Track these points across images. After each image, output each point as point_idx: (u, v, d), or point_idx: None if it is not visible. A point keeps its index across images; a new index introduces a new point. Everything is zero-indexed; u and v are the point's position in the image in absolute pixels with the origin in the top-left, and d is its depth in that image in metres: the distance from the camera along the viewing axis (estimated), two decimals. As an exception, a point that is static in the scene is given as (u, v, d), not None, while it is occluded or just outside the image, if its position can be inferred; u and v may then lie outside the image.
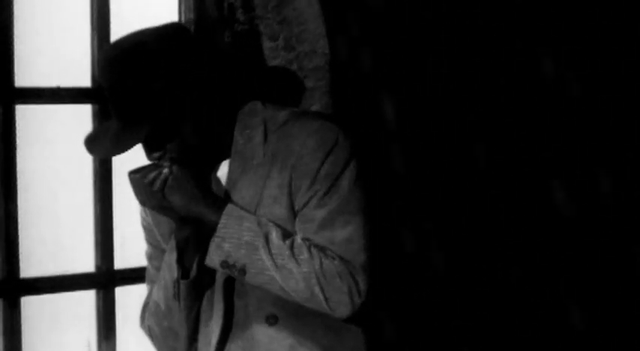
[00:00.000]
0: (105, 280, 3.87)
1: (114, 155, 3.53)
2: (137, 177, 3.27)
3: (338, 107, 3.82)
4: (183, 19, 4.06)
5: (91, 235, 3.92)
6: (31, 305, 3.76)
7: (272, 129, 3.33)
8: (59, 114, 3.81)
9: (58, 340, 3.91)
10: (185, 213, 3.28)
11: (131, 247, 3.77)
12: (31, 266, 3.78)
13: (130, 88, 3.26)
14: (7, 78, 3.63)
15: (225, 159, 3.37)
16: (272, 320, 3.32)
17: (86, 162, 3.74)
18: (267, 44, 3.89)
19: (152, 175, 3.26)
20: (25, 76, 3.74)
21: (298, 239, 3.22)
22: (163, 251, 3.42)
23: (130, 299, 3.80)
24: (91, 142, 3.31)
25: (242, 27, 3.98)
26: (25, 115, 3.76)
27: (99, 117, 3.78)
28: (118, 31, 3.73)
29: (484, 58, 4.34)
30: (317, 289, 3.20)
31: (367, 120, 3.92)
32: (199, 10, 4.02)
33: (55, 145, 3.86)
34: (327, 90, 3.81)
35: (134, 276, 3.82)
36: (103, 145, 3.31)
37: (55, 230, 3.95)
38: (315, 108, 3.80)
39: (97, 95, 3.71)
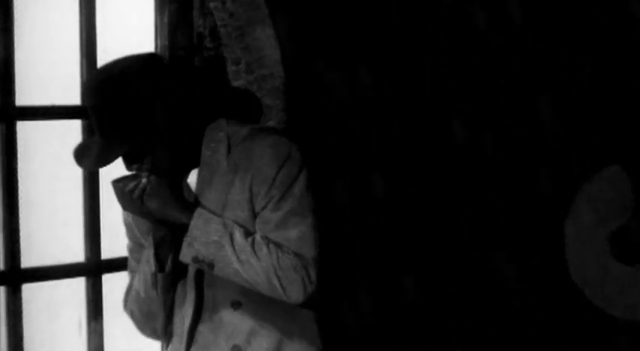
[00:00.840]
0: (93, 269, 3.85)
1: (98, 168, 3.55)
2: (119, 185, 3.29)
3: (291, 122, 3.78)
4: (159, 46, 4.02)
5: (80, 230, 3.88)
6: (31, 291, 3.74)
7: (235, 143, 3.34)
8: (54, 127, 3.75)
9: (53, 320, 3.85)
10: (161, 216, 3.31)
11: (116, 240, 3.68)
12: (30, 258, 3.72)
13: (112, 110, 3.27)
14: (9, 98, 3.60)
15: (194, 168, 3.38)
16: (236, 305, 3.35)
17: (77, 168, 3.68)
18: (231, 68, 3.86)
19: (132, 184, 3.30)
20: (24, 96, 3.68)
21: (258, 237, 3.24)
22: (142, 246, 3.44)
23: (114, 285, 3.73)
24: (79, 156, 3.33)
25: (209, 53, 3.98)
26: (25, 129, 3.68)
27: (87, 130, 3.76)
28: (103, 56, 3.72)
29: (435, 74, 4.23)
30: (275, 280, 3.23)
31: (316, 133, 3.87)
32: (172, 39, 3.98)
33: (50, 154, 3.81)
34: (282, 108, 3.80)
35: (118, 265, 3.76)
36: (89, 159, 3.32)
37: (50, 226, 3.89)
38: (271, 123, 3.79)
39: (86, 112, 3.59)
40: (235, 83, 3.89)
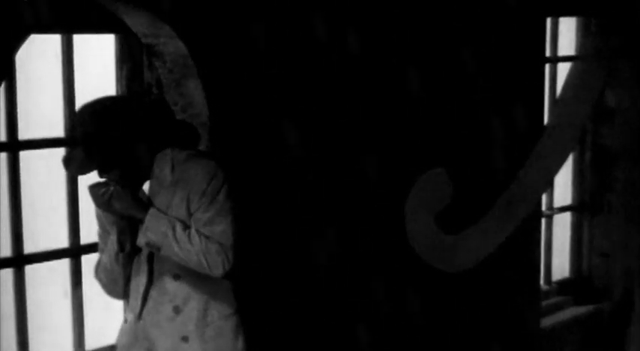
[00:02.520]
0: (75, 251, 3.81)
1: (79, 175, 3.55)
2: (94, 190, 3.34)
3: (214, 147, 3.79)
4: (119, 91, 3.90)
5: (65, 223, 3.82)
6: (32, 270, 3.69)
7: (177, 163, 3.36)
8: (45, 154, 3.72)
9: (47, 290, 3.82)
10: (123, 213, 3.35)
11: (90, 230, 3.65)
12: (30, 245, 3.67)
13: (94, 136, 3.28)
14: (13, 134, 3.56)
15: (147, 180, 3.41)
16: (176, 277, 3.40)
17: (62, 174, 3.73)
18: (175, 109, 3.77)
19: (103, 189, 3.33)
20: (22, 132, 3.62)
21: (192, 230, 3.31)
22: (108, 232, 3.44)
23: (90, 263, 3.64)
24: (67, 164, 3.34)
25: (156, 96, 3.87)
26: (27, 156, 3.65)
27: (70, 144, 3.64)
28: (80, 97, 3.68)
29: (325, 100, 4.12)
30: (203, 260, 3.29)
31: (232, 154, 3.83)
32: (129, 87, 3.86)
33: (43, 170, 3.74)
34: (207, 138, 3.77)
35: (93, 249, 3.69)
36: (74, 168, 3.36)
37: (42, 221, 3.81)
38: (202, 147, 3.68)
39: (68, 142, 3.69)
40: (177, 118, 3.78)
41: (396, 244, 4.45)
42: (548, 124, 4.97)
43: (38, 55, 3.62)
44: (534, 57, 4.95)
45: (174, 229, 3.31)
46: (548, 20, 5.15)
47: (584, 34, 5.39)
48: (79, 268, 3.82)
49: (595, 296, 5.86)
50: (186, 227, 3.33)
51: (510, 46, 4.76)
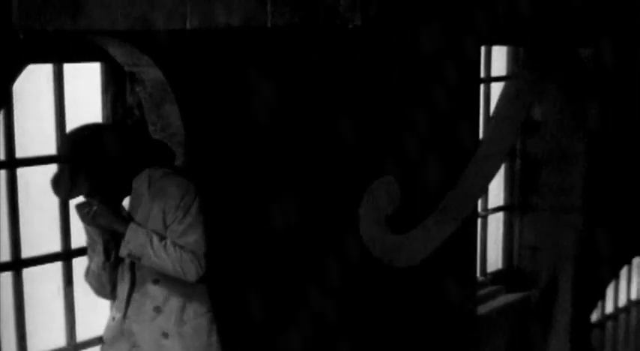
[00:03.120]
0: (66, 256, 3.77)
1: (69, 199, 3.54)
2: (80, 208, 3.35)
3: (189, 163, 3.75)
4: (105, 113, 3.84)
5: (58, 231, 3.78)
6: (29, 272, 3.66)
7: (153, 181, 3.34)
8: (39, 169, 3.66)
9: (42, 289, 3.78)
10: (106, 227, 3.35)
11: (81, 236, 3.60)
12: (26, 250, 3.64)
13: (80, 162, 3.27)
14: (11, 153, 3.52)
15: (127, 196, 3.39)
16: (156, 282, 3.40)
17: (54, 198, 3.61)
18: (150, 128, 3.78)
19: (87, 209, 3.34)
20: (18, 150, 3.57)
21: (168, 241, 3.29)
22: (96, 242, 3.42)
23: (80, 265, 3.69)
24: (55, 189, 3.32)
25: (137, 117, 3.80)
26: (23, 172, 3.61)
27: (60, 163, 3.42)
28: (70, 119, 3.65)
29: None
30: (178, 268, 3.29)
31: (205, 171, 3.80)
32: (113, 109, 3.80)
33: (37, 184, 3.63)
34: (182, 153, 3.73)
35: (82, 253, 3.66)
36: (62, 194, 3.38)
37: (37, 229, 3.75)
38: (178, 163, 3.65)
39: (58, 159, 3.53)
40: (154, 137, 3.77)
41: (352, 243, 4.43)
42: (483, 138, 4.96)
43: (32, 82, 3.56)
44: (470, 78, 4.95)
45: (151, 241, 3.30)
46: (483, 47, 5.15)
47: (514, 58, 5.39)
48: (70, 269, 3.80)
49: (524, 285, 5.89)
50: (163, 238, 3.31)
51: (450, 69, 4.75)
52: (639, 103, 6.28)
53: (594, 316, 6.83)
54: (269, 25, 2.48)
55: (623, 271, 7.20)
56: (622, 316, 7.38)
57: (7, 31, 2.87)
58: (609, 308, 7.12)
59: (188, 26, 2.59)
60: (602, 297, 6.93)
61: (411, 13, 2.72)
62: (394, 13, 2.56)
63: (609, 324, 7.19)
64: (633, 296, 7.51)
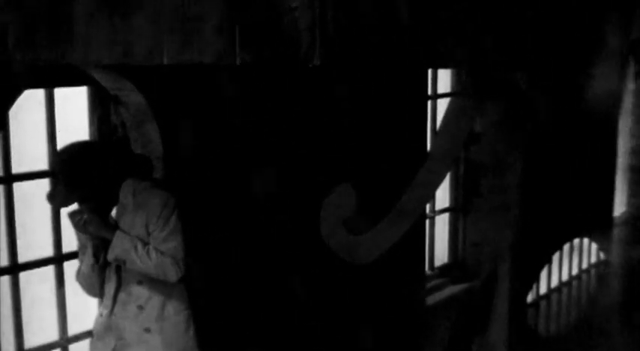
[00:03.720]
0: (59, 259, 3.76)
1: (63, 208, 3.49)
2: (72, 217, 3.36)
3: (167, 176, 3.72)
4: (93, 131, 3.78)
5: (50, 238, 3.76)
6: (25, 275, 3.65)
7: (137, 193, 3.34)
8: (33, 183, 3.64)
9: (38, 289, 3.75)
10: (95, 234, 3.35)
11: (71, 242, 3.63)
12: (22, 255, 3.63)
13: (71, 175, 3.27)
14: (8, 169, 3.51)
15: (114, 206, 3.39)
16: (139, 282, 3.40)
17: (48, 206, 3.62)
18: (133, 144, 3.75)
19: (78, 217, 3.34)
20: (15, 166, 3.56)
21: (150, 247, 3.30)
22: (86, 246, 3.42)
23: (71, 268, 3.67)
24: (51, 200, 3.35)
25: (120, 134, 3.77)
26: (20, 186, 3.59)
27: (52, 182, 3.53)
28: (61, 137, 3.63)
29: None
30: (160, 271, 3.30)
31: (182, 181, 3.76)
32: (100, 128, 3.76)
33: (33, 197, 3.61)
34: (161, 167, 3.71)
35: (73, 256, 3.67)
36: (56, 202, 3.38)
37: (33, 235, 3.73)
38: (157, 175, 3.64)
39: (50, 175, 3.60)
40: (136, 152, 3.75)
41: (314, 243, 4.42)
42: (430, 149, 4.96)
43: (26, 105, 3.54)
44: (418, 95, 4.95)
45: (135, 247, 3.30)
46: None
47: (457, 78, 5.37)
48: (62, 271, 3.79)
49: (468, 277, 5.88)
50: (146, 244, 3.31)
51: (400, 88, 4.74)
52: (566, 117, 6.38)
53: (530, 297, 6.86)
54: (238, 62, 2.51)
55: (555, 256, 7.27)
56: (554, 296, 7.43)
57: (4, 63, 2.85)
58: (543, 289, 7.17)
59: (165, 62, 2.58)
60: (537, 280, 6.97)
61: (366, 52, 2.75)
62: (351, 52, 2.59)
63: (543, 303, 7.23)
64: (564, 278, 7.59)
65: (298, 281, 4.34)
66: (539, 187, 6.23)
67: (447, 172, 5.08)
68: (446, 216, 5.88)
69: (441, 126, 4.89)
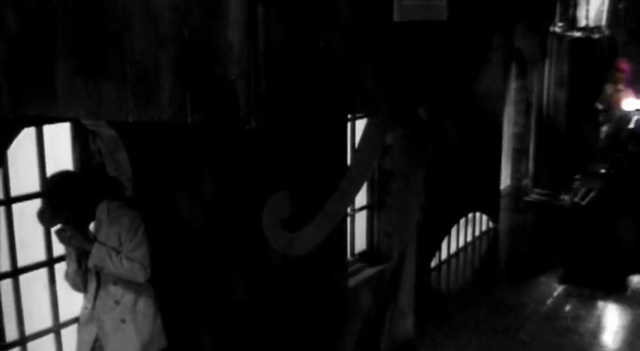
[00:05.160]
0: (50, 262, 3.77)
1: (50, 227, 3.56)
2: (58, 233, 3.43)
3: (136, 195, 3.64)
4: (75, 159, 3.77)
5: (43, 246, 3.77)
6: (25, 278, 3.66)
7: (111, 211, 3.40)
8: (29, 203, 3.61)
9: (34, 286, 3.76)
10: (77, 247, 3.42)
11: (59, 250, 3.67)
12: (22, 260, 3.65)
13: (57, 199, 3.36)
14: (8, 193, 3.49)
15: (92, 222, 3.45)
16: (115, 282, 3.45)
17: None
18: (107, 168, 3.71)
19: (63, 233, 3.41)
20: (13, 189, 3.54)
21: (122, 255, 3.35)
22: (71, 254, 3.49)
23: (61, 270, 3.70)
24: (40, 219, 3.41)
25: (97, 160, 3.76)
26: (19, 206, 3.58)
27: (43, 201, 3.51)
28: (50, 167, 3.63)
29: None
30: (130, 274, 3.36)
31: (149, 199, 3.65)
32: (80, 157, 3.78)
33: (28, 214, 3.58)
34: (131, 187, 3.65)
35: (62, 259, 3.68)
36: (45, 222, 3.45)
37: (29, 244, 3.74)
38: (128, 193, 3.60)
39: (42, 195, 3.55)
40: (112, 175, 3.74)
41: (258, 240, 4.27)
42: (350, 164, 4.93)
43: (20, 137, 3.48)
44: (340, 117, 4.85)
45: (110, 255, 3.35)
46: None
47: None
48: (53, 272, 3.78)
49: (381, 260, 5.82)
50: (119, 253, 3.35)
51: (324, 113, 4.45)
52: (458, 137, 6.46)
53: (433, 263, 6.89)
54: (189, 122, 2.57)
55: (453, 229, 7.37)
56: (453, 260, 7.52)
57: (1, 114, 2.92)
58: (444, 256, 7.25)
59: (130, 120, 2.60)
60: (439, 249, 7.01)
61: (295, 113, 2.82)
62: (282, 116, 2.68)
63: (444, 267, 7.31)
64: (460, 245, 7.70)
65: (245, 272, 4.24)
66: (440, 180, 6.22)
67: (364, 181, 4.96)
68: (364, 212, 5.81)
69: (359, 143, 4.71)
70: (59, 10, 2.64)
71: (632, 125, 8.37)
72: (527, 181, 9.61)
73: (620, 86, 8.95)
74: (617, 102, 8.84)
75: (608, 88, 9.08)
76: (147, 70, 2.54)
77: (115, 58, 2.58)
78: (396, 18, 3.20)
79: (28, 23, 2.72)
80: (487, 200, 8.16)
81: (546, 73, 9.44)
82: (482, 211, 8.18)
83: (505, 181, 9.16)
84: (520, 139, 9.59)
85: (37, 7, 2.68)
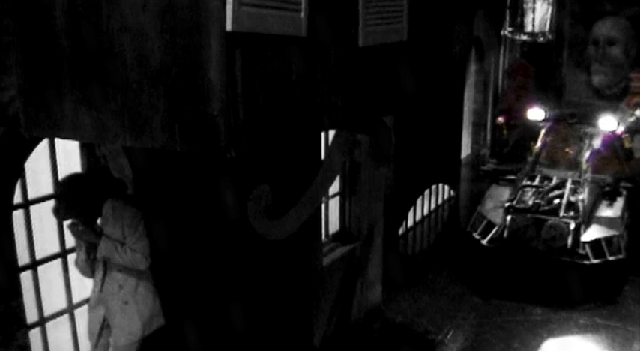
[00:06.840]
0: (64, 253, 3.78)
1: (64, 221, 3.56)
2: (70, 227, 3.46)
3: (136, 193, 3.67)
4: (83, 163, 3.76)
5: (57, 240, 3.76)
6: (42, 267, 3.64)
7: (115, 208, 3.41)
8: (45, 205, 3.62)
9: (51, 273, 3.75)
10: (87, 239, 3.46)
11: (71, 241, 3.66)
12: (39, 253, 3.63)
13: (70, 198, 3.38)
14: (26, 197, 3.46)
15: (99, 217, 3.48)
16: (120, 270, 3.49)
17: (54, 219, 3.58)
18: (112, 171, 3.70)
19: (74, 228, 3.44)
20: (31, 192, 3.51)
21: (126, 247, 3.40)
22: (81, 245, 3.50)
23: (72, 259, 3.69)
24: (55, 215, 3.44)
25: (103, 164, 3.74)
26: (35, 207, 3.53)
27: (57, 200, 3.49)
28: (62, 171, 3.62)
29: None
30: (133, 262, 3.40)
31: (147, 198, 3.72)
32: (89, 161, 3.78)
33: (44, 213, 3.63)
34: (132, 187, 3.67)
35: (73, 250, 3.66)
36: (60, 217, 3.47)
37: (46, 239, 3.71)
38: (129, 192, 3.61)
39: (55, 197, 3.54)
40: (115, 177, 3.69)
41: (245, 226, 4.12)
42: (324, 159, 4.75)
43: (36, 150, 3.47)
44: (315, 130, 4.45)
45: (116, 247, 3.40)
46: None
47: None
48: (66, 261, 3.81)
49: (352, 240, 5.89)
50: (123, 245, 3.41)
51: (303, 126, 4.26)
52: (423, 120, 6.51)
53: (400, 231, 6.97)
54: (178, 149, 2.57)
55: (418, 200, 7.48)
56: (418, 227, 7.60)
57: (18, 135, 3.04)
58: (410, 224, 7.33)
59: (127, 145, 2.70)
60: (405, 219, 7.08)
61: (270, 141, 2.90)
62: (258, 145, 2.79)
63: (410, 234, 7.30)
64: (425, 213, 7.77)
65: (234, 253, 4.22)
66: (407, 158, 6.29)
67: (336, 175, 4.87)
68: (337, 198, 5.88)
69: (330, 147, 4.68)
70: (66, 51, 2.78)
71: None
72: (485, 151, 9.78)
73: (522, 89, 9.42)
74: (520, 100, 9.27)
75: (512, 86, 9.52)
76: (140, 104, 2.65)
77: (114, 92, 2.71)
78: (361, 43, 3.21)
79: (39, 61, 2.84)
80: (449, 172, 8.23)
81: (501, 58, 9.71)
82: (445, 182, 8.23)
83: (465, 151, 9.23)
84: (478, 114, 9.75)
85: (46, 50, 2.80)
